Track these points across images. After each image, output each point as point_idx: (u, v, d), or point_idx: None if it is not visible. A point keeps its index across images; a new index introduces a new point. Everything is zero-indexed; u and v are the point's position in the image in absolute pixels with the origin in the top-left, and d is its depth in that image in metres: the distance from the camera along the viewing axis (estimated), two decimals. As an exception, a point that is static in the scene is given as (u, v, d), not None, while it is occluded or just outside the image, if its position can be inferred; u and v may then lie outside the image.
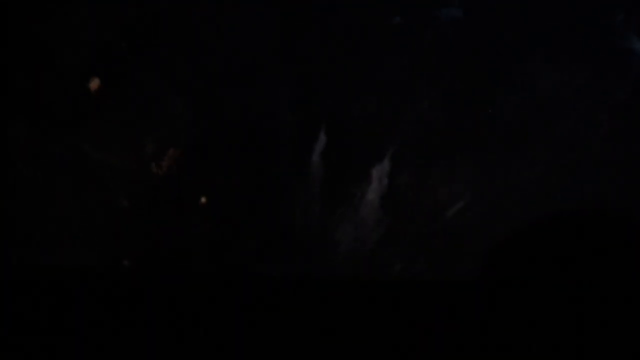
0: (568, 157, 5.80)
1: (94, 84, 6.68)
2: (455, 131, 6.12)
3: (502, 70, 6.12)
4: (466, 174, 6.08)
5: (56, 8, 6.46)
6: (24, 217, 6.54)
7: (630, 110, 6.13)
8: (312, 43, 6.48)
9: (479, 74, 6.21)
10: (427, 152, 6.28)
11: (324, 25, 6.54)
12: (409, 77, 6.29)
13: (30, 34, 6.46)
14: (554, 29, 6.23)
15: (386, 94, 6.30)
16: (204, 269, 6.41)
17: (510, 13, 6.42)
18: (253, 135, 6.25)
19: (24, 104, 6.72)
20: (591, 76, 6.07)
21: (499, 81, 6.11)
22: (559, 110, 6.17)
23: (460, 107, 6.22)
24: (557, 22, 6.25)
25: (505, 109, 6.13)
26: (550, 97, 6.17)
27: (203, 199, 6.44)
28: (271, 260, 6.28)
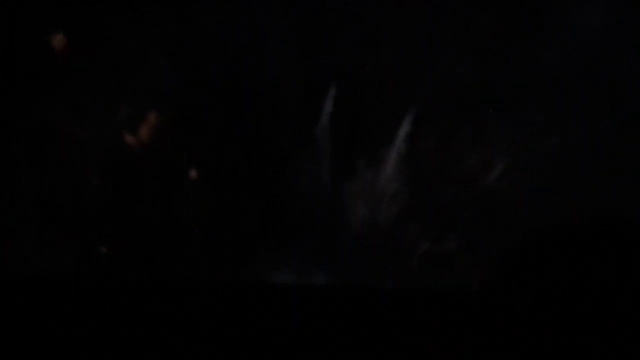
0: (616, 114, 5.04)
1: (59, 40, 5.57)
2: (486, 87, 5.30)
3: (541, 16, 5.26)
4: (500, 135, 5.28)
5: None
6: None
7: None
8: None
9: (513, 20, 5.34)
10: (455, 111, 5.44)
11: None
12: (431, 25, 5.39)
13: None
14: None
15: (405, 45, 5.40)
16: (195, 259, 5.51)
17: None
18: (253, 94, 5.28)
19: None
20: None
21: (536, 29, 5.27)
22: (602, 62, 5.40)
23: (491, 60, 5.38)
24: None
25: (543, 61, 5.33)
26: (592, 47, 5.39)
27: (193, 173, 5.48)
28: (274, 246, 5.42)
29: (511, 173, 5.21)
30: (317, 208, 5.40)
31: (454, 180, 5.26)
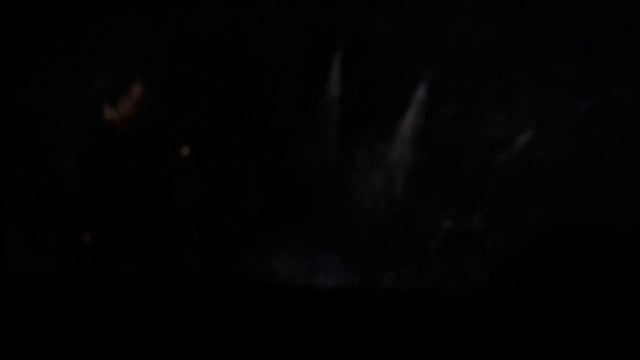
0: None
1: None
2: (511, 43, 4.71)
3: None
4: (528, 97, 4.70)
5: None
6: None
7: None
8: None
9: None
10: (476, 74, 4.84)
11: None
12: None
13: None
14: None
15: (421, 3, 4.79)
16: (189, 244, 4.91)
17: None
18: (251, 58, 4.65)
19: None
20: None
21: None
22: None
23: (514, 18, 4.78)
24: None
25: (571, 19, 4.75)
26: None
27: (185, 150, 4.87)
28: (276, 226, 4.84)
29: (542, 139, 4.65)
30: (323, 183, 4.81)
31: (477, 150, 4.70)
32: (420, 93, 4.72)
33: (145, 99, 4.62)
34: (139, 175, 4.72)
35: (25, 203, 4.77)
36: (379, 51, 4.72)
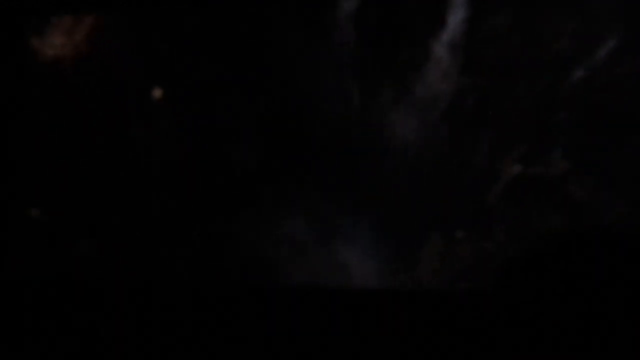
0: None
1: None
2: None
3: None
4: (606, 2, 3.50)
5: None
6: None
7: None
8: None
9: None
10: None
11: None
12: None
13: None
14: None
15: None
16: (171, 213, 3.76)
17: None
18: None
19: None
20: None
21: None
22: None
23: None
24: None
25: None
26: None
27: (157, 92, 3.80)
28: (282, 186, 3.67)
29: (629, 52, 3.43)
30: (340, 130, 3.66)
31: (542, 69, 3.50)
32: (458, 3, 3.60)
33: (101, 27, 3.62)
34: (98, 125, 3.66)
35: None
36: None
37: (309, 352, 2.58)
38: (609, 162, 3.25)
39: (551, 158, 3.27)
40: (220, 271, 3.39)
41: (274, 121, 3.63)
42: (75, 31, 3.55)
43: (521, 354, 2.59)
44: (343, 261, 3.40)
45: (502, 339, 2.57)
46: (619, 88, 3.39)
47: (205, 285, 3.40)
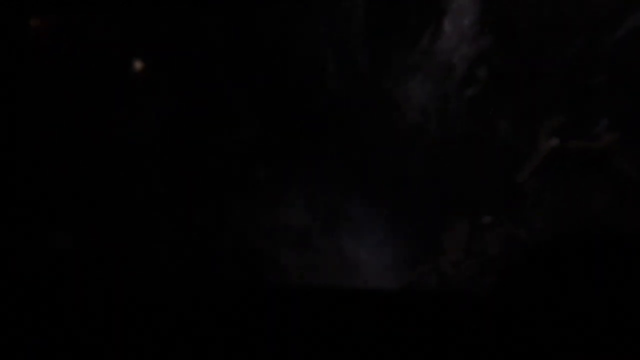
0: None
1: None
2: None
3: None
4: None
5: None
6: None
7: None
8: None
9: None
10: None
11: None
12: None
13: None
14: None
15: None
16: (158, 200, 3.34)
17: None
18: None
19: None
20: None
21: None
22: None
23: None
24: None
25: None
26: None
27: (138, 64, 3.35)
28: (280, 162, 3.23)
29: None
30: (346, 104, 3.20)
31: (577, 25, 2.99)
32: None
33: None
34: (75, 99, 3.23)
35: None
36: None
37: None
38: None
39: (594, 129, 2.77)
40: (211, 265, 2.98)
41: (272, 94, 3.17)
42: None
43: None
44: (351, 255, 2.97)
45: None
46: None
47: (196, 283, 3.02)
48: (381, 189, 3.12)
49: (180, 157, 3.25)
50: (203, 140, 3.25)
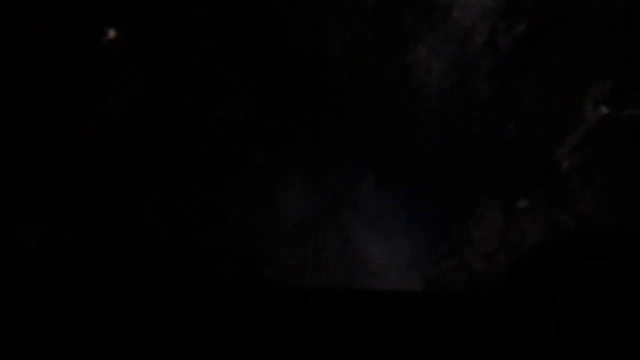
0: None
1: None
2: None
3: None
4: None
5: None
6: None
7: None
8: None
9: None
10: None
11: None
12: None
13: None
14: None
15: None
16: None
17: None
18: None
19: None
20: None
21: None
22: None
23: None
24: None
25: None
26: None
27: (111, 33, 2.90)
28: (281, 145, 2.81)
29: None
30: (353, 75, 2.77)
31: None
32: None
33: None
34: (40, 70, 2.78)
35: None
36: None
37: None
38: None
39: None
40: (201, 262, 2.58)
41: (268, 66, 2.74)
42: None
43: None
44: (361, 250, 2.57)
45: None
46: None
47: (186, 280, 2.65)
48: (396, 171, 2.71)
49: (165, 141, 2.83)
50: (191, 120, 2.82)
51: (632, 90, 2.38)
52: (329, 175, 2.75)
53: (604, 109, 2.38)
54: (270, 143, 2.72)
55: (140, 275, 2.88)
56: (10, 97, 2.81)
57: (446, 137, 2.67)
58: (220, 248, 2.59)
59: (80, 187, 3.02)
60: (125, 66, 2.85)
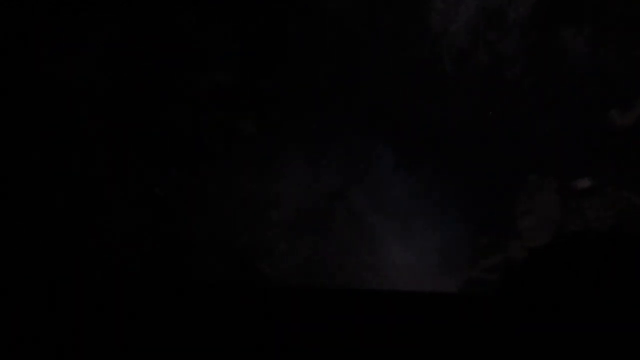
0: None
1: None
2: None
3: None
4: None
5: None
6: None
7: None
8: None
9: None
10: None
11: None
12: None
13: None
14: None
15: None
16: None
17: None
18: None
19: None
20: None
21: None
22: None
23: None
24: None
25: None
26: None
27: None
28: (281, 122, 2.31)
29: None
30: (358, 44, 2.31)
31: None
32: None
33: None
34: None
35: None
36: None
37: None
38: None
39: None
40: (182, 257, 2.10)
41: (261, 20, 2.27)
42: None
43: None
44: (378, 250, 2.07)
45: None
46: None
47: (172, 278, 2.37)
48: (418, 148, 2.21)
49: (137, 114, 2.31)
50: (168, 89, 2.31)
51: None
52: (333, 153, 2.26)
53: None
54: (262, 113, 2.22)
55: (124, 272, 2.66)
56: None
57: (479, 102, 2.19)
58: (205, 241, 2.21)
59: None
60: (102, 26, 2.41)
